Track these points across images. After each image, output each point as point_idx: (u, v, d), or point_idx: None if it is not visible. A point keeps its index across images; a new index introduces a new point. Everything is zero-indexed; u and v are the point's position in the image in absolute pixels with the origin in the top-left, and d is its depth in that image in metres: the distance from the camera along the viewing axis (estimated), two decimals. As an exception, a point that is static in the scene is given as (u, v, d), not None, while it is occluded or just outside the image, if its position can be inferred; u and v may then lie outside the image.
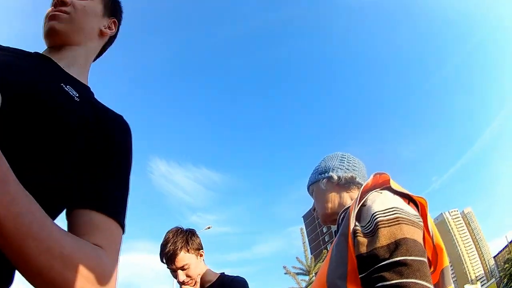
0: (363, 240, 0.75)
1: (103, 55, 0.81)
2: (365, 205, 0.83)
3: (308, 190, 1.16)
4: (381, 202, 0.80)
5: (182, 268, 1.43)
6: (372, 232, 0.74)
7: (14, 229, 0.32)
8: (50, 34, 0.65)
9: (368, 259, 0.72)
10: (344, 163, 1.08)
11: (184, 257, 1.43)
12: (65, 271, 0.37)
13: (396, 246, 0.70)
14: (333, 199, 1.03)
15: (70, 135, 0.50)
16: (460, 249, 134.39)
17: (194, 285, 1.45)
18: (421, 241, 0.74)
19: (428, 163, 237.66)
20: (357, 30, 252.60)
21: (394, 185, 0.90)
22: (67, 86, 0.57)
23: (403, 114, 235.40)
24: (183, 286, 1.44)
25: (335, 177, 1.03)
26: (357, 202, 0.83)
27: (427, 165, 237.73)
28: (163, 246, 1.46)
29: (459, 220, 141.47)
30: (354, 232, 0.77)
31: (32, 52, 0.65)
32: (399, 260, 0.68)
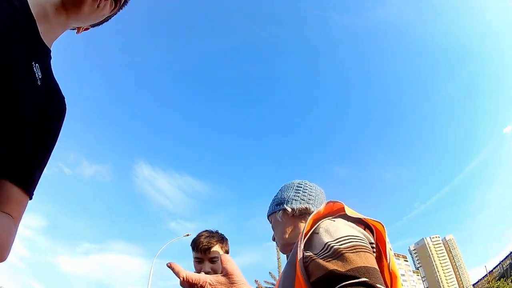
0: (323, 262, 0.72)
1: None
2: (317, 233, 0.83)
3: (268, 219, 1.17)
4: (334, 231, 0.80)
5: (212, 260, 1.48)
6: (332, 257, 0.73)
7: None
8: (75, 3, 0.67)
9: (334, 277, 0.68)
10: (299, 193, 1.08)
11: (216, 251, 1.50)
12: None
13: (359, 272, 0.68)
14: (289, 230, 1.04)
15: (23, 126, 0.55)
16: (439, 275, 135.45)
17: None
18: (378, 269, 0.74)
19: (412, 188, 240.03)
20: (348, 52, 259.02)
21: (349, 211, 0.91)
22: (36, 65, 0.60)
23: (390, 139, 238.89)
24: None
25: (289, 210, 1.04)
26: (305, 230, 0.83)
27: (411, 191, 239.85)
28: (199, 236, 1.55)
29: (440, 246, 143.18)
30: (307, 258, 0.76)
31: None
32: (368, 281, 0.66)
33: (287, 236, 1.04)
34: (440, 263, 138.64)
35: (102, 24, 0.87)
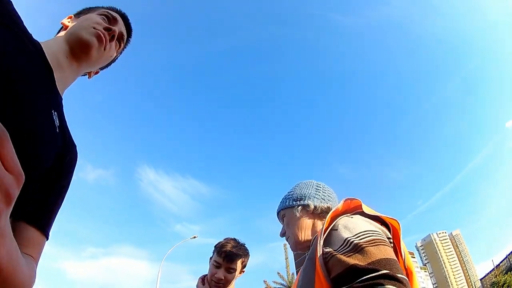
0: (344, 257, 0.73)
1: None
2: (335, 229, 0.83)
3: (277, 215, 1.15)
4: (353, 227, 0.81)
5: (228, 270, 1.53)
6: (353, 251, 0.74)
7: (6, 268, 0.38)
8: (83, 50, 0.71)
9: (356, 272, 0.69)
10: (319, 192, 1.08)
11: (237, 264, 1.56)
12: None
13: (380, 264, 0.69)
14: (307, 226, 1.03)
15: (43, 170, 0.60)
16: (447, 271, 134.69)
17: None
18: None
19: (415, 186, 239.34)
20: (350, 51, 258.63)
21: (366, 209, 0.92)
22: (55, 113, 0.63)
23: (393, 136, 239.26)
24: (213, 284, 1.53)
25: (312, 206, 1.03)
26: (325, 227, 0.84)
27: (415, 188, 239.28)
28: (227, 244, 1.59)
29: (447, 242, 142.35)
30: (327, 254, 0.77)
31: (37, 44, 0.66)
32: (389, 273, 0.67)
33: (303, 232, 1.02)
34: (448, 258, 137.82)
35: (110, 65, 0.91)
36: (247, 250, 1.66)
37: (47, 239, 0.63)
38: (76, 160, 0.72)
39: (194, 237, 15.89)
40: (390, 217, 0.89)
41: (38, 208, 0.60)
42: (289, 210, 1.08)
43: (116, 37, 0.78)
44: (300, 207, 1.05)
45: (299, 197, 1.08)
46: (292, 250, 1.10)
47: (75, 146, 0.73)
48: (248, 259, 1.66)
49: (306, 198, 1.06)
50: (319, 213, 1.04)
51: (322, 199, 1.06)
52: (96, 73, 0.89)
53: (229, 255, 1.53)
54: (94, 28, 0.73)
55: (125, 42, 0.86)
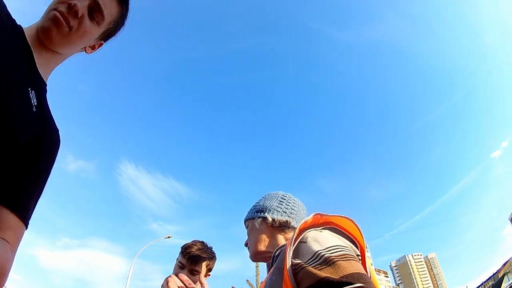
0: (315, 270, 0.72)
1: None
2: (304, 242, 0.82)
3: (244, 224, 1.17)
4: (323, 241, 0.80)
5: (192, 272, 1.55)
6: (325, 264, 0.73)
7: None
8: (44, 37, 0.68)
9: (328, 285, 0.68)
10: (282, 205, 1.09)
11: (201, 266, 1.57)
12: None
13: (352, 278, 0.68)
14: (265, 239, 1.05)
15: (16, 150, 0.57)
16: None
17: None
18: None
19: (396, 206, 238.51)
20: (343, 67, 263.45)
21: (336, 223, 0.93)
22: (32, 92, 0.62)
23: (378, 155, 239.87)
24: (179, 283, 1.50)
25: (270, 219, 1.04)
26: (294, 239, 0.83)
27: (395, 208, 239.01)
28: (193, 246, 1.62)
29: (421, 264, 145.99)
30: (297, 265, 0.76)
31: (19, 27, 0.66)
32: (363, 286, 0.66)
33: (261, 244, 1.04)
34: (421, 281, 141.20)
35: (114, 34, 0.85)
36: (214, 253, 1.67)
37: (26, 227, 0.61)
38: (58, 146, 0.70)
39: (169, 237, 15.92)
40: (356, 234, 0.91)
41: (14, 191, 0.58)
42: (252, 221, 1.11)
43: (81, 12, 0.68)
44: (260, 219, 1.07)
45: (261, 209, 1.10)
46: (251, 260, 1.11)
47: (57, 131, 0.70)
48: (214, 262, 1.67)
49: (267, 210, 1.07)
50: (277, 226, 1.05)
51: (284, 212, 1.07)
52: (100, 45, 0.85)
53: (193, 257, 1.55)
54: (54, 9, 0.68)
55: (102, 12, 0.74)
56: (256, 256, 1.07)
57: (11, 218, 0.57)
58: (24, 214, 0.60)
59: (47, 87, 0.72)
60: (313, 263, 0.75)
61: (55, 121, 0.71)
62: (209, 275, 1.69)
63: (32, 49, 0.66)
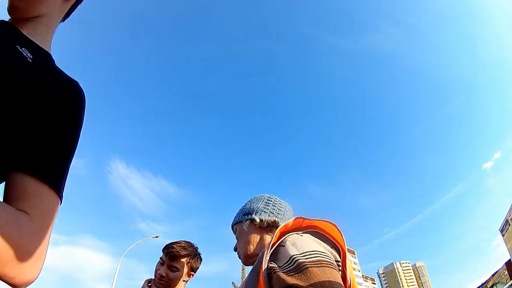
0: (284, 276, 0.72)
1: (72, 15, 0.78)
2: (283, 246, 0.83)
3: (232, 229, 1.16)
4: (301, 245, 0.80)
5: (170, 268, 1.53)
6: (295, 271, 0.73)
7: None
8: (10, 11, 0.65)
9: None
10: (269, 206, 1.09)
11: (181, 262, 1.55)
12: None
13: (322, 286, 0.68)
14: (254, 240, 1.04)
15: (20, 95, 0.49)
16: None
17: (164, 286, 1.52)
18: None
19: (385, 213, 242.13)
20: (338, 74, 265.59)
21: (320, 227, 0.93)
22: (23, 48, 0.57)
23: (369, 161, 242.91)
24: (156, 282, 1.54)
25: (257, 220, 1.04)
26: (273, 241, 0.84)
27: (384, 216, 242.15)
28: (175, 244, 1.60)
29: (409, 272, 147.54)
30: (271, 269, 0.76)
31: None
32: None
33: (251, 246, 1.03)
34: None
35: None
36: (197, 253, 1.66)
37: (59, 195, 0.49)
38: (77, 98, 0.58)
39: (157, 237, 15.94)
40: (338, 238, 0.90)
41: (31, 153, 0.47)
42: (239, 224, 1.10)
43: None
44: (248, 221, 1.07)
45: (248, 211, 1.10)
46: (242, 263, 1.11)
47: (74, 83, 0.61)
48: (197, 262, 1.65)
49: (254, 212, 1.07)
50: (266, 227, 1.04)
51: (271, 212, 1.07)
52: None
53: (171, 253, 1.54)
54: None
55: None
56: (248, 260, 1.05)
57: (27, 182, 0.46)
58: (46, 174, 0.48)
59: (52, 56, 0.67)
60: (286, 268, 0.75)
61: (68, 76, 0.63)
62: (192, 275, 1.65)
63: (15, 26, 0.64)
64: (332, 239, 0.90)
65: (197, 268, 1.67)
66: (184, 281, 1.60)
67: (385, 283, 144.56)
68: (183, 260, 1.58)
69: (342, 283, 0.74)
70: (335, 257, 0.84)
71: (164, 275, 1.52)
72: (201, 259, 1.69)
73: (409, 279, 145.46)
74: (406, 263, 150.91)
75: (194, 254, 1.64)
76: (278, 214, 1.08)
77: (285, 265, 0.76)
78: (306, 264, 0.73)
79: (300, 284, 0.69)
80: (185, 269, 1.59)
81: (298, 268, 0.73)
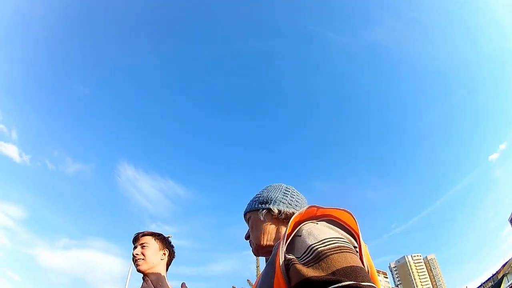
0: (302, 268, 0.70)
1: None
2: (299, 235, 0.80)
3: (244, 216, 1.12)
4: (317, 233, 0.78)
5: (142, 245, 1.61)
6: (315, 260, 0.71)
7: None
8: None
9: (313, 285, 0.66)
10: (287, 197, 1.05)
11: (147, 239, 1.63)
12: None
13: (345, 272, 0.66)
14: (270, 231, 1.00)
15: None
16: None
17: (143, 263, 1.55)
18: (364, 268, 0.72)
19: (392, 208, 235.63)
20: (340, 69, 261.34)
21: (335, 215, 0.91)
22: None
23: (375, 156, 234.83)
24: (135, 261, 1.58)
25: (276, 211, 1.00)
26: (287, 232, 0.82)
27: (392, 210, 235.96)
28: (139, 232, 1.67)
29: (421, 265, 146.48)
30: (289, 261, 0.74)
31: None
32: (351, 284, 0.63)
33: (266, 237, 1.00)
34: (420, 281, 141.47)
35: None
36: (163, 236, 1.72)
37: None
38: None
39: (169, 237, 16.30)
40: (352, 226, 0.87)
41: None
42: (255, 213, 1.05)
43: None
44: (265, 210, 1.02)
45: (265, 200, 1.05)
46: (254, 254, 1.08)
47: None
48: (163, 240, 1.69)
49: (272, 202, 1.03)
50: (283, 218, 1.00)
51: (289, 203, 1.02)
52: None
53: (135, 235, 1.66)
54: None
55: None
56: (260, 250, 1.03)
57: None
58: None
59: None
60: (304, 259, 0.73)
61: None
62: (164, 253, 1.65)
63: None
64: (348, 227, 0.88)
65: (167, 245, 1.69)
66: (161, 259, 1.63)
67: (397, 277, 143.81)
68: (148, 236, 1.65)
69: (363, 267, 0.72)
70: (352, 243, 0.82)
71: (139, 252, 1.57)
72: (167, 239, 1.73)
73: (421, 272, 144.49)
74: (417, 256, 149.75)
75: (160, 235, 1.69)
76: (296, 206, 1.03)
77: (303, 256, 0.74)
78: (326, 252, 0.71)
79: (317, 275, 0.67)
80: (155, 244, 1.63)
81: (317, 257, 0.71)
